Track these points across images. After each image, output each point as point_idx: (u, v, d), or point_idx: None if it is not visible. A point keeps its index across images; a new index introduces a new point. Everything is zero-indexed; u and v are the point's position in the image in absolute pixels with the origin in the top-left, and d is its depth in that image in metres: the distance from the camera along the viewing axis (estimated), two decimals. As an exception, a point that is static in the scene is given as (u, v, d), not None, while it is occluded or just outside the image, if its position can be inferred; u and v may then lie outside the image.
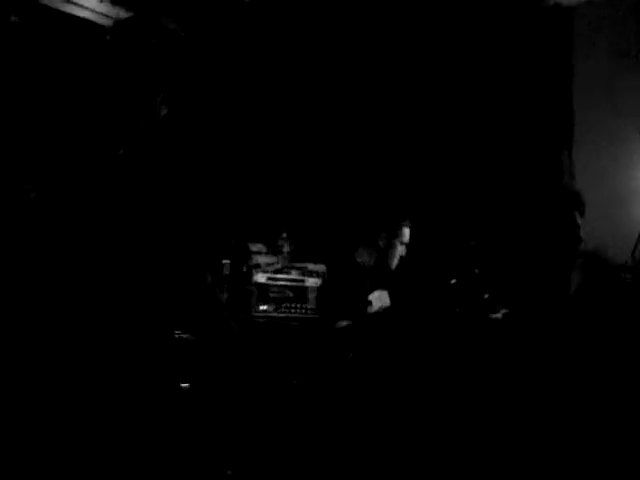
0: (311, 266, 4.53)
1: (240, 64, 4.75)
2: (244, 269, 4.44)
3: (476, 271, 3.76)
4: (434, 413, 3.41)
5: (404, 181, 4.69)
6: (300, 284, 4.49)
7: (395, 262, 3.61)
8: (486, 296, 3.67)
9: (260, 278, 4.42)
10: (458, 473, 3.06)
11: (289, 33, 4.70)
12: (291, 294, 4.47)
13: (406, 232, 3.60)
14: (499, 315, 3.58)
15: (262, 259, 4.46)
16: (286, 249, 4.54)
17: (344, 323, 3.37)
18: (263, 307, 4.41)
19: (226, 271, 4.33)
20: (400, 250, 3.65)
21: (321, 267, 4.53)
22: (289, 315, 4.45)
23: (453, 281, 3.77)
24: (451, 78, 4.51)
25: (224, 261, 4.32)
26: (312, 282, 4.46)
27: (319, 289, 4.28)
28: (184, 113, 3.84)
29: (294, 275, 4.50)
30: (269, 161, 4.71)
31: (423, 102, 4.69)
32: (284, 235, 4.58)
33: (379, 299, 3.50)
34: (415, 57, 4.64)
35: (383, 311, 3.51)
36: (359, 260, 3.53)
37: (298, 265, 4.54)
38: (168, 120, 2.87)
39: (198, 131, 4.23)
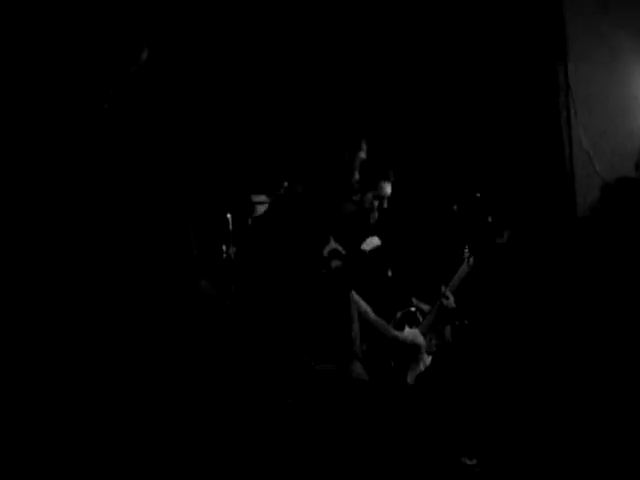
0: (315, 213, 4.50)
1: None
2: (249, 222, 4.43)
3: (478, 195, 3.71)
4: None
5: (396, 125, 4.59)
6: (305, 232, 4.47)
7: (375, 215, 3.52)
8: (490, 219, 3.62)
9: (265, 229, 4.41)
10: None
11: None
12: (297, 242, 4.46)
13: (387, 187, 3.49)
14: (504, 239, 3.54)
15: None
16: (290, 199, 4.51)
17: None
18: (271, 257, 4.41)
19: (230, 226, 4.33)
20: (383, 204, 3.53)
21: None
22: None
23: (455, 207, 3.73)
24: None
25: (227, 215, 4.32)
26: (317, 228, 4.43)
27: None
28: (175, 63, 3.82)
29: (299, 224, 4.48)
30: (265, 112, 4.66)
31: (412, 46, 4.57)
32: (285, 184, 4.54)
33: (369, 244, 3.47)
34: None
35: (376, 249, 3.47)
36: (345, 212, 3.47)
37: (300, 214, 4.52)
38: (156, 70, 2.83)
39: (188, 82, 4.22)
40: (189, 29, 4.16)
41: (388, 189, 3.42)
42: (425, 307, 3.61)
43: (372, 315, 3.28)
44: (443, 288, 3.54)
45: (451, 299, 3.52)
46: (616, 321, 3.53)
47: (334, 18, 4.49)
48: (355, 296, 3.28)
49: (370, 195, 3.41)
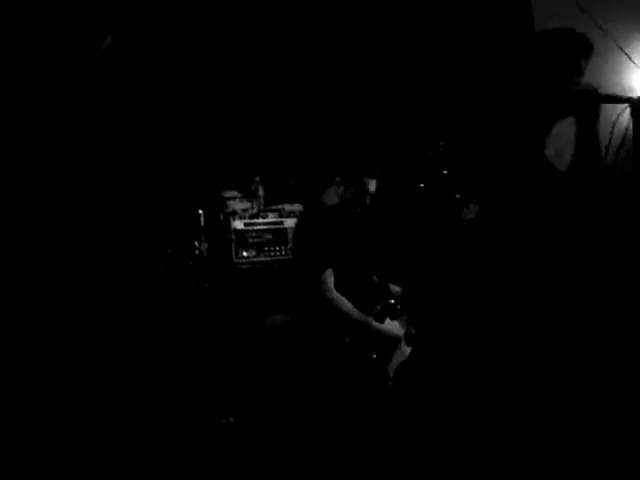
0: (288, 207, 4.49)
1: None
2: (221, 217, 4.39)
3: (444, 172, 3.69)
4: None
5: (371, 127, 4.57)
6: (279, 226, 4.46)
7: (355, 210, 3.47)
8: (457, 196, 3.60)
9: (237, 224, 4.37)
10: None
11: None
12: (271, 237, 4.44)
13: (371, 183, 3.44)
14: (472, 215, 3.54)
15: (237, 205, 4.41)
16: (261, 192, 4.48)
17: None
18: (244, 253, 4.38)
19: (202, 221, 4.28)
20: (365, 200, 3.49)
21: (298, 207, 4.49)
22: (270, 259, 4.42)
23: (422, 185, 3.70)
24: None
25: (199, 211, 4.27)
26: (290, 223, 4.42)
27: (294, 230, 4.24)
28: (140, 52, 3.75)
29: (272, 218, 4.46)
30: (235, 105, 4.59)
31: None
32: (257, 179, 4.51)
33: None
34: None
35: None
36: (327, 202, 3.43)
37: (274, 207, 4.49)
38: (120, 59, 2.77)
39: (161, 77, 4.14)
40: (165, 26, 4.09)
41: (372, 186, 3.37)
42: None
43: (353, 309, 3.26)
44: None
45: None
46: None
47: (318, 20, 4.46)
48: (335, 292, 3.26)
49: (353, 189, 3.37)
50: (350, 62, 4.55)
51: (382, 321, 3.27)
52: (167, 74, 4.14)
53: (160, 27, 4.01)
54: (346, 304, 3.25)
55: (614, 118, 3.90)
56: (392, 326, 3.35)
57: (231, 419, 3.41)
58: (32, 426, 2.33)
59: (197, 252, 4.26)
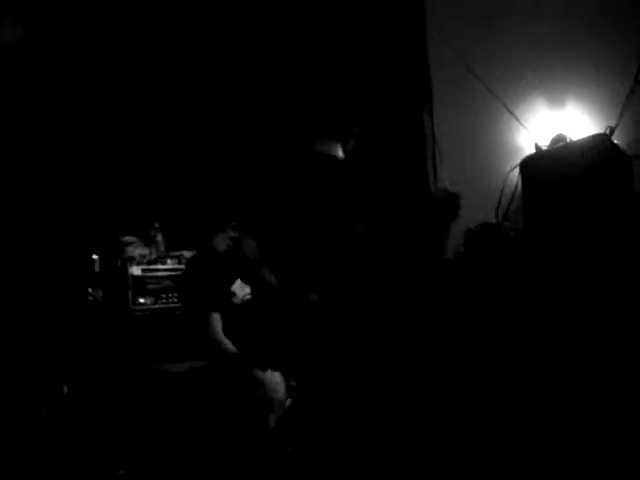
0: (187, 253, 4.42)
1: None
2: (118, 263, 4.28)
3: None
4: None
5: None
6: (178, 272, 4.38)
7: (250, 253, 3.47)
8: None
9: (135, 271, 4.28)
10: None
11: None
12: (169, 283, 4.36)
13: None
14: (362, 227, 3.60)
15: (135, 251, 4.32)
16: (160, 238, 4.41)
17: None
18: (141, 300, 4.28)
19: (97, 267, 4.17)
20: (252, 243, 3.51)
21: (198, 253, 4.43)
22: (169, 306, 4.34)
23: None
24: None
25: (94, 257, 4.16)
26: (190, 269, 4.35)
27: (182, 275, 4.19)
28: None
29: (170, 264, 4.39)
30: (133, 151, 4.52)
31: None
32: (156, 224, 4.44)
33: (241, 288, 3.43)
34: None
35: (247, 301, 3.44)
36: (217, 249, 3.41)
37: (174, 254, 4.43)
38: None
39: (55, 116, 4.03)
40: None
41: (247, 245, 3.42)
42: None
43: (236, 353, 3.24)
44: None
45: None
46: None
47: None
48: (221, 334, 3.24)
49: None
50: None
51: (264, 369, 3.25)
52: (63, 115, 4.06)
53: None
54: (230, 347, 3.21)
55: (505, 175, 4.06)
56: (272, 376, 3.32)
57: (122, 472, 3.31)
58: None
59: (91, 299, 4.14)
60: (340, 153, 3.82)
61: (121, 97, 4.44)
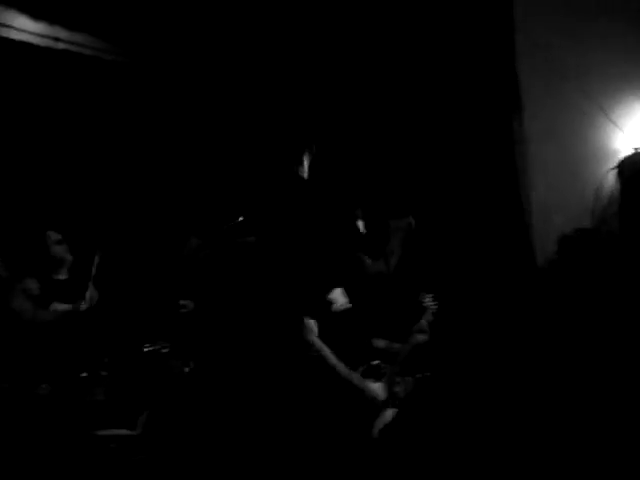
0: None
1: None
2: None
3: None
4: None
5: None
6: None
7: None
8: None
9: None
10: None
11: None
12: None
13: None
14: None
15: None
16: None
17: None
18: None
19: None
20: None
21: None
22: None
23: None
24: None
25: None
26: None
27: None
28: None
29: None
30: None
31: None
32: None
33: (340, 297, 3.44)
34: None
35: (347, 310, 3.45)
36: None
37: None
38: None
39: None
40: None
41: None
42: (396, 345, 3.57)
43: (336, 361, 3.23)
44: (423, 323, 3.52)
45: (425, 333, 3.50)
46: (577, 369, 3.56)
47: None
48: (317, 339, 3.25)
49: None
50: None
51: (364, 377, 3.25)
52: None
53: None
54: (328, 354, 3.19)
55: (600, 177, 3.98)
56: (373, 388, 3.29)
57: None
58: None
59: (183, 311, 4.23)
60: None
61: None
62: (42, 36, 4.08)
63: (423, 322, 3.46)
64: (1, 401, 2.85)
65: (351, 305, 3.41)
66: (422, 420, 3.67)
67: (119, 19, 4.24)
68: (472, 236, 4.00)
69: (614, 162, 3.97)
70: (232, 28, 4.35)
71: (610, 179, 4.03)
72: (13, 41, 3.89)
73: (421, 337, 3.45)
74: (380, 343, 3.57)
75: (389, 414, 3.34)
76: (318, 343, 3.21)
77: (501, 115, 4.02)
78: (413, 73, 4.28)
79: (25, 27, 4.01)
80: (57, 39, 4.11)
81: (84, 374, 3.23)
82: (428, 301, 3.50)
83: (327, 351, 3.20)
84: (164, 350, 3.50)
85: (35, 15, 4.03)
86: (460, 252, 3.98)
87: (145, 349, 3.37)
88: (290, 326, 3.33)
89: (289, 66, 4.40)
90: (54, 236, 3.53)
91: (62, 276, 3.55)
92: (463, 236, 4.02)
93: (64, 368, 3.23)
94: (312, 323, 3.22)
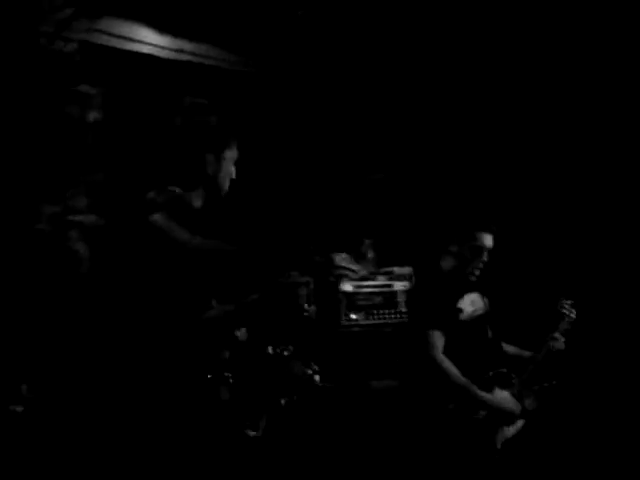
0: (397, 270, 4.44)
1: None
2: (330, 279, 4.40)
3: None
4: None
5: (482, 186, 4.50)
6: (388, 289, 4.40)
7: (474, 269, 3.30)
8: None
9: (347, 287, 4.36)
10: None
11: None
12: (380, 300, 4.39)
13: (487, 238, 3.28)
14: None
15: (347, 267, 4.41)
16: (370, 255, 4.47)
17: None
18: (353, 316, 4.34)
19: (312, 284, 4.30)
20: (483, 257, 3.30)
21: (408, 270, 4.43)
22: (380, 322, 4.36)
23: None
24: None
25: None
26: (400, 286, 4.37)
27: (407, 292, 4.19)
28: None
29: (381, 280, 4.42)
30: (339, 167, 4.67)
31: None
32: (367, 242, 4.51)
33: (471, 304, 3.28)
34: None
35: (477, 317, 3.28)
36: (444, 267, 3.29)
37: (384, 270, 4.46)
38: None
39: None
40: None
41: (489, 241, 3.23)
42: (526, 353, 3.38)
43: (458, 375, 3.07)
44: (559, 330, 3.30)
45: (561, 341, 3.27)
46: None
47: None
48: (441, 354, 3.11)
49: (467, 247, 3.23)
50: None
51: (490, 389, 3.07)
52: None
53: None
54: (451, 368, 3.05)
55: None
56: (501, 396, 3.11)
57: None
58: None
59: (306, 314, 4.27)
60: None
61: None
62: (167, 49, 4.30)
63: (559, 330, 3.26)
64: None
65: (483, 312, 3.27)
66: (551, 434, 3.48)
67: (238, 30, 4.41)
68: (617, 243, 3.77)
69: None
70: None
71: None
72: (142, 54, 4.14)
73: (556, 345, 3.25)
74: (510, 349, 3.39)
75: (518, 425, 3.17)
76: (441, 358, 3.05)
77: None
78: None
79: (152, 41, 4.23)
80: (181, 51, 4.32)
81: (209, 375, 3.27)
82: (567, 308, 3.29)
83: (448, 363, 3.05)
84: (286, 353, 3.51)
85: (161, 29, 4.26)
86: (602, 258, 3.75)
87: (268, 351, 3.38)
88: (413, 341, 3.23)
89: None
90: None
91: None
92: (606, 242, 3.79)
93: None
94: (437, 336, 3.07)
